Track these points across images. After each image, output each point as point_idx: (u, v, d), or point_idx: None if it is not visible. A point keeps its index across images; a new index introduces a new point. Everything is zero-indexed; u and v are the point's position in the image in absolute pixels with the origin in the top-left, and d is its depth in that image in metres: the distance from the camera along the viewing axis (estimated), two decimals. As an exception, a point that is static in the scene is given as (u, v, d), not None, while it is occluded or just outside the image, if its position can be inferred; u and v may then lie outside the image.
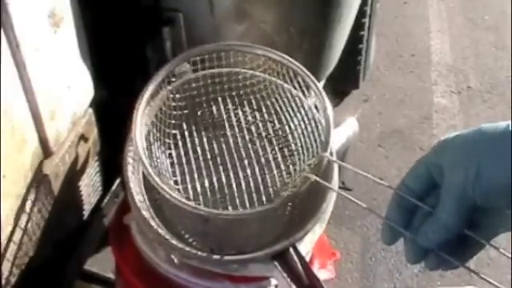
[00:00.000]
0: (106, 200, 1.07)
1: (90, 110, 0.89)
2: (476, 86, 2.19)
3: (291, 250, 0.73)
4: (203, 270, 0.76)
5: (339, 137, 0.95)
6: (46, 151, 0.79)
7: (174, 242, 0.73)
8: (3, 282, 0.76)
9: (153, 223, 0.74)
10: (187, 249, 0.73)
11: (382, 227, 0.49)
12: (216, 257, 0.74)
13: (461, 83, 2.20)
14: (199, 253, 0.73)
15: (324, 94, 0.71)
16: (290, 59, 0.75)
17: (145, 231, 0.77)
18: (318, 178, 0.65)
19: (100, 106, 0.92)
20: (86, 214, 1.00)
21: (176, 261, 0.76)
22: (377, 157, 1.85)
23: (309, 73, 0.74)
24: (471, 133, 0.44)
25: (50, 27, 0.73)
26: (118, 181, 1.08)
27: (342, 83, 1.85)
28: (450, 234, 0.44)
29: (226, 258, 0.74)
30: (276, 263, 0.72)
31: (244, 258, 0.74)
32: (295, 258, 0.73)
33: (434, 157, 0.46)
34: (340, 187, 0.84)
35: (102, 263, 1.23)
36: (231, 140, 0.82)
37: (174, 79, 0.78)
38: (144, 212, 0.75)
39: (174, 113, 0.80)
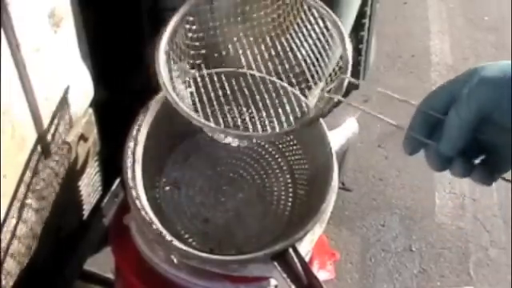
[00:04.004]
0: (105, 200, 1.07)
1: (90, 110, 0.89)
2: (476, 87, 2.19)
3: (291, 250, 0.73)
4: (203, 270, 0.76)
5: (339, 138, 0.94)
6: (46, 151, 0.79)
7: (174, 242, 0.73)
8: (3, 281, 0.76)
9: (153, 223, 0.74)
10: (187, 249, 0.73)
11: (404, 139, 0.54)
12: (216, 257, 0.74)
13: (461, 83, 2.20)
14: (199, 253, 0.73)
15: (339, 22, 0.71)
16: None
17: (145, 231, 0.77)
18: (341, 98, 0.66)
19: (100, 106, 0.92)
20: (85, 213, 1.00)
21: (176, 261, 0.76)
22: (377, 157, 1.85)
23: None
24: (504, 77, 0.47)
25: (50, 27, 0.73)
26: (117, 181, 1.08)
27: (342, 83, 1.85)
28: (468, 140, 0.47)
29: (226, 258, 0.74)
30: (276, 263, 0.72)
31: (244, 258, 0.74)
32: (295, 258, 0.73)
33: (463, 87, 0.49)
34: (340, 188, 0.84)
35: (102, 263, 1.23)
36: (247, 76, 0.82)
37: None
38: (144, 212, 0.75)
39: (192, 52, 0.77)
